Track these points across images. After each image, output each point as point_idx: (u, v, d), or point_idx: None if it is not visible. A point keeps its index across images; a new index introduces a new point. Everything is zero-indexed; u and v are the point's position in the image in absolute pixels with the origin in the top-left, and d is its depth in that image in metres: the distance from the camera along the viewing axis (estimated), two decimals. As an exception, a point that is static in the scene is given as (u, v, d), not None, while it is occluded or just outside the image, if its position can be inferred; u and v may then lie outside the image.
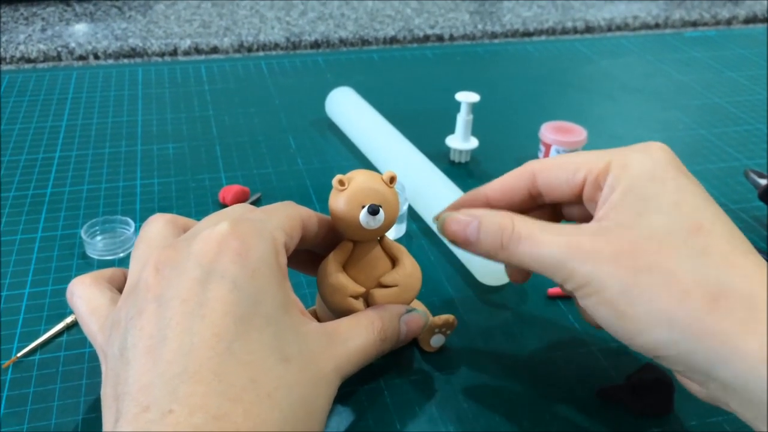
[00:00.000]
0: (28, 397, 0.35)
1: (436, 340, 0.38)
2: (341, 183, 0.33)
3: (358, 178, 0.34)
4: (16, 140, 0.60)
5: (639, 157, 0.31)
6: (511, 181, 0.35)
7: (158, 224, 0.34)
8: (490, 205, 0.36)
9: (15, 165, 0.57)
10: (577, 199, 0.34)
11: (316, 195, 0.53)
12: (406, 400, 0.36)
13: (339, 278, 0.34)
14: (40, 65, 0.80)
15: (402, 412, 0.35)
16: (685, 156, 0.60)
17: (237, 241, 0.29)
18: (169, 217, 0.34)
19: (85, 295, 0.33)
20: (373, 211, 0.33)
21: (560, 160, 0.34)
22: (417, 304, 0.39)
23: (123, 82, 0.72)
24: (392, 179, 0.34)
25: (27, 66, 0.79)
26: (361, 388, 0.36)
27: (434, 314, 0.38)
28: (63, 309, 0.41)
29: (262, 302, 0.28)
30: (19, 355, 0.37)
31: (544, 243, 0.31)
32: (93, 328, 0.31)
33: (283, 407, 0.26)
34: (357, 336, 0.32)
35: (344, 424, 0.34)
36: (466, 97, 0.56)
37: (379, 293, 0.35)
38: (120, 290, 0.34)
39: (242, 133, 0.62)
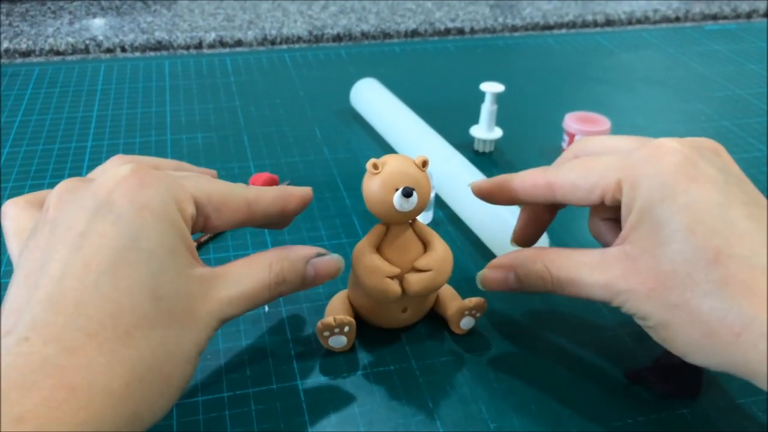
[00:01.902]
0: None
1: (466, 323, 0.39)
2: (375, 167, 0.34)
3: (391, 162, 0.35)
4: (49, 130, 0.62)
5: (648, 170, 0.31)
6: (532, 190, 0.36)
7: (109, 163, 0.34)
8: (515, 200, 0.37)
9: (48, 154, 0.58)
10: (602, 206, 0.34)
11: (343, 183, 0.54)
12: (438, 380, 0.37)
13: (374, 260, 0.35)
14: (69, 58, 0.81)
15: (434, 391, 0.36)
16: (708, 146, 0.60)
17: (135, 180, 0.29)
18: (126, 158, 0.34)
19: (14, 216, 0.33)
20: (407, 193, 0.33)
21: (573, 176, 0.34)
22: (446, 288, 0.40)
23: (150, 74, 0.73)
24: (424, 163, 0.35)
25: (56, 58, 0.81)
26: (393, 368, 0.37)
27: (463, 298, 0.39)
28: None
29: (143, 239, 0.27)
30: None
31: (585, 286, 0.32)
32: (14, 250, 0.32)
33: (140, 345, 0.26)
34: (247, 279, 0.31)
35: (378, 402, 0.35)
36: (491, 88, 0.56)
37: (413, 278, 0.35)
38: None
39: (268, 124, 0.63)
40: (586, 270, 0.32)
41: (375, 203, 0.35)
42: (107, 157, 0.56)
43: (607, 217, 0.37)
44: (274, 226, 0.38)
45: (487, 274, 0.36)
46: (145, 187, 0.29)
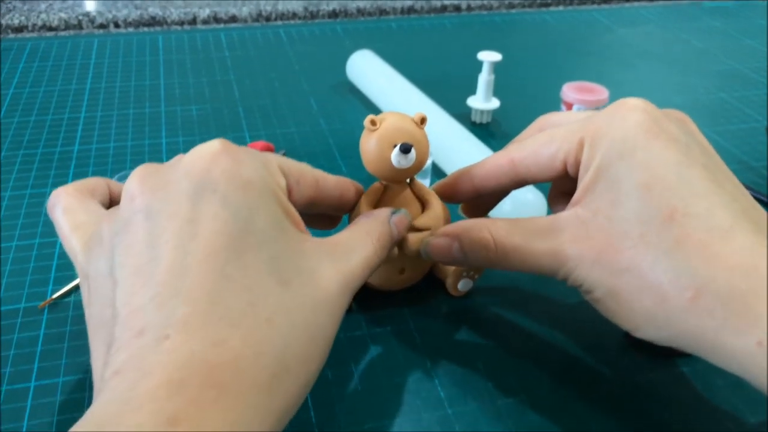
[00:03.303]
0: (65, 335, 0.36)
1: (464, 285, 0.39)
2: (373, 123, 0.34)
3: (389, 118, 0.34)
4: (41, 102, 0.61)
5: (609, 127, 0.30)
6: (494, 171, 0.34)
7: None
8: (477, 190, 0.35)
9: (41, 124, 0.57)
10: (565, 178, 0.33)
11: (339, 153, 0.54)
12: (435, 340, 0.36)
13: None
14: (62, 33, 0.80)
15: (431, 351, 0.36)
16: (707, 118, 0.60)
17: (228, 158, 0.27)
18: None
19: (69, 208, 0.31)
20: (405, 149, 0.33)
21: (536, 144, 0.33)
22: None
23: (144, 48, 0.73)
24: (423, 120, 0.35)
25: (49, 34, 0.80)
26: (391, 329, 0.37)
27: (462, 259, 0.38)
28: (95, 256, 0.42)
29: (255, 219, 0.26)
30: (54, 296, 0.38)
31: (531, 254, 0.31)
32: (75, 246, 0.29)
33: (283, 332, 0.24)
34: (359, 247, 0.30)
35: (375, 361, 0.35)
36: (488, 57, 0.56)
37: (412, 237, 0.35)
38: (104, 204, 0.33)
39: (264, 96, 0.63)
40: (533, 237, 0.30)
41: (372, 160, 0.34)
42: (101, 128, 0.56)
43: (568, 193, 0.35)
44: (326, 223, 0.37)
45: (431, 241, 0.34)
46: (241, 163, 0.27)
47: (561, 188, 0.36)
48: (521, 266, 0.31)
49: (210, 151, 0.27)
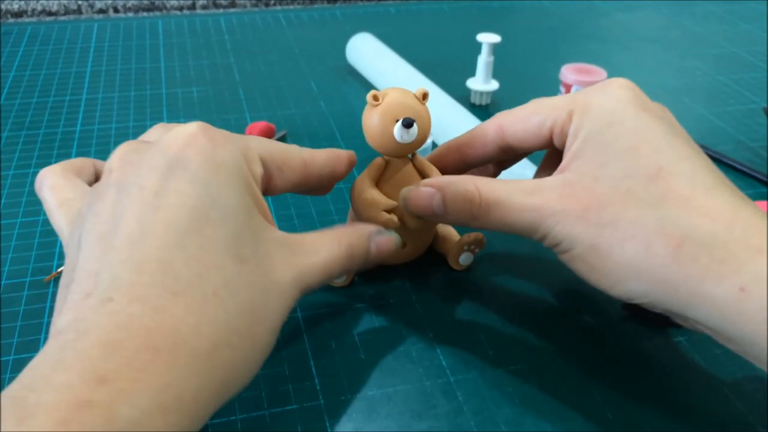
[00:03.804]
0: (72, 308, 0.36)
1: (465, 258, 0.39)
2: (375, 98, 0.34)
3: (391, 93, 0.34)
4: (43, 84, 0.61)
5: (599, 100, 0.31)
6: (481, 137, 0.35)
7: (155, 130, 0.33)
8: (465, 160, 0.36)
9: (43, 106, 0.57)
10: (551, 148, 0.34)
11: (340, 134, 0.54)
12: (437, 311, 0.37)
13: (372, 194, 0.35)
14: (61, 18, 0.80)
15: (433, 323, 0.36)
16: (705, 100, 0.60)
17: (205, 139, 0.27)
18: (170, 126, 0.32)
19: (55, 186, 0.32)
20: (407, 124, 0.33)
21: (525, 112, 0.33)
22: (445, 225, 0.40)
23: (144, 32, 0.73)
24: (425, 95, 0.35)
25: (48, 19, 0.80)
26: (393, 301, 0.37)
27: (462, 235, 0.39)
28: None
29: (222, 198, 0.26)
30: (59, 270, 0.39)
31: (514, 209, 0.31)
32: (60, 222, 0.30)
33: (228, 307, 0.24)
34: (322, 250, 0.30)
35: (378, 331, 0.35)
36: (488, 38, 0.56)
37: (409, 216, 0.35)
38: (89, 183, 0.33)
39: (264, 78, 0.63)
40: (519, 194, 0.31)
41: (375, 135, 0.34)
42: (102, 109, 0.57)
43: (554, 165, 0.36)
44: (319, 192, 0.36)
45: (411, 190, 0.34)
46: (217, 146, 0.27)
47: (548, 166, 0.36)
48: (501, 222, 0.31)
49: (188, 132, 0.27)
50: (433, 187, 0.33)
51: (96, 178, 0.35)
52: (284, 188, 0.32)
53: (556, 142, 0.32)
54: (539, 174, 0.37)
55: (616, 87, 0.31)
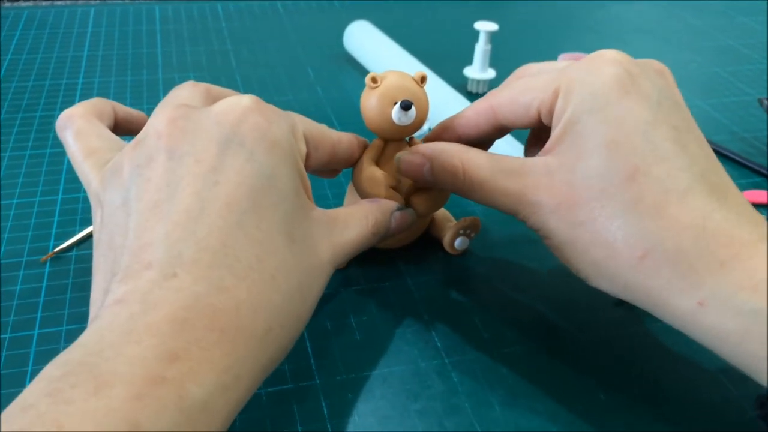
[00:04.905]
0: (68, 287, 0.36)
1: (461, 243, 0.39)
2: (374, 80, 0.34)
3: (390, 76, 0.35)
4: (39, 68, 0.61)
5: (583, 79, 0.30)
6: (474, 117, 0.35)
7: (187, 89, 0.32)
8: (461, 139, 0.36)
9: (39, 89, 0.57)
10: (541, 127, 0.33)
11: (337, 120, 0.54)
12: (432, 295, 0.37)
13: (375, 172, 0.35)
14: (58, 3, 0.80)
15: (428, 305, 0.36)
16: (700, 91, 0.61)
17: (261, 115, 0.28)
18: (202, 86, 0.32)
19: (81, 132, 0.31)
20: (406, 106, 0.34)
21: (514, 92, 0.33)
22: (441, 210, 0.40)
23: (141, 18, 0.73)
24: (423, 78, 0.35)
25: (45, 3, 0.80)
26: (389, 284, 0.37)
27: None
28: (96, 214, 0.42)
29: (277, 178, 0.26)
30: (56, 250, 0.39)
31: (495, 192, 0.31)
32: (88, 172, 0.29)
33: (283, 290, 0.25)
34: (354, 226, 0.31)
35: (373, 314, 0.36)
36: (485, 26, 0.56)
37: (418, 199, 0.36)
38: (110, 127, 0.33)
39: (261, 65, 0.63)
40: (501, 175, 0.31)
41: (373, 117, 0.35)
42: (99, 94, 0.57)
43: (544, 140, 0.35)
44: (331, 174, 0.37)
45: (405, 156, 0.34)
46: (272, 123, 0.27)
47: (537, 136, 0.36)
48: (484, 200, 0.32)
49: (242, 105, 0.27)
50: (422, 156, 0.33)
51: (115, 122, 0.35)
52: (315, 168, 0.32)
53: (545, 121, 0.32)
54: (529, 144, 0.37)
55: (603, 63, 0.30)
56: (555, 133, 0.30)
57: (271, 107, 0.29)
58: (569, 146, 0.29)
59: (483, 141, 0.37)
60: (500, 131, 0.35)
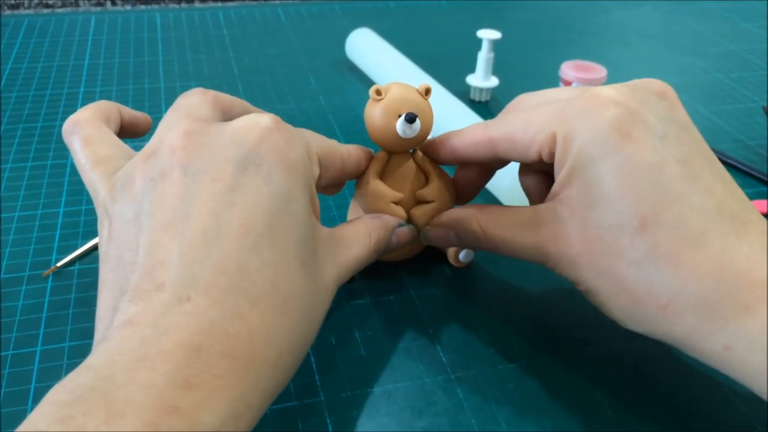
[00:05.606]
0: (70, 302, 0.36)
1: (465, 255, 0.39)
2: (378, 93, 0.34)
3: (394, 88, 0.34)
4: (40, 77, 0.61)
5: (580, 127, 0.28)
6: (473, 148, 0.34)
7: (196, 97, 0.31)
8: (458, 160, 0.35)
9: (40, 99, 0.57)
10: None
11: (339, 129, 0.54)
12: (437, 308, 0.37)
13: (378, 185, 0.35)
14: (59, 10, 0.80)
15: (433, 319, 0.36)
16: (703, 98, 0.60)
17: (281, 135, 0.27)
18: (211, 94, 0.31)
19: (89, 139, 0.30)
20: (410, 119, 0.33)
21: (512, 129, 0.31)
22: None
23: (142, 25, 0.72)
24: (427, 91, 0.35)
25: (45, 11, 0.80)
26: (393, 297, 0.37)
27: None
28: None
29: (292, 201, 0.26)
30: (58, 264, 0.38)
31: (517, 248, 0.31)
32: (96, 182, 0.28)
33: (294, 315, 0.25)
34: (357, 245, 0.31)
35: (378, 327, 0.35)
36: (488, 35, 0.56)
37: (419, 211, 0.35)
38: (116, 132, 0.32)
39: (263, 73, 0.63)
40: (518, 230, 0.31)
41: (377, 130, 0.34)
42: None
43: (538, 170, 0.35)
44: (334, 190, 0.37)
45: (430, 231, 0.35)
46: (290, 144, 0.27)
47: (531, 167, 0.35)
48: (511, 255, 0.32)
49: (262, 125, 0.27)
50: (444, 228, 0.35)
51: (122, 126, 0.34)
52: (324, 185, 0.32)
53: (546, 160, 0.31)
54: (522, 172, 0.36)
55: (600, 106, 0.28)
56: (560, 178, 0.30)
57: (289, 127, 0.28)
58: (577, 193, 0.29)
59: (483, 165, 0.37)
60: (501, 163, 0.35)
